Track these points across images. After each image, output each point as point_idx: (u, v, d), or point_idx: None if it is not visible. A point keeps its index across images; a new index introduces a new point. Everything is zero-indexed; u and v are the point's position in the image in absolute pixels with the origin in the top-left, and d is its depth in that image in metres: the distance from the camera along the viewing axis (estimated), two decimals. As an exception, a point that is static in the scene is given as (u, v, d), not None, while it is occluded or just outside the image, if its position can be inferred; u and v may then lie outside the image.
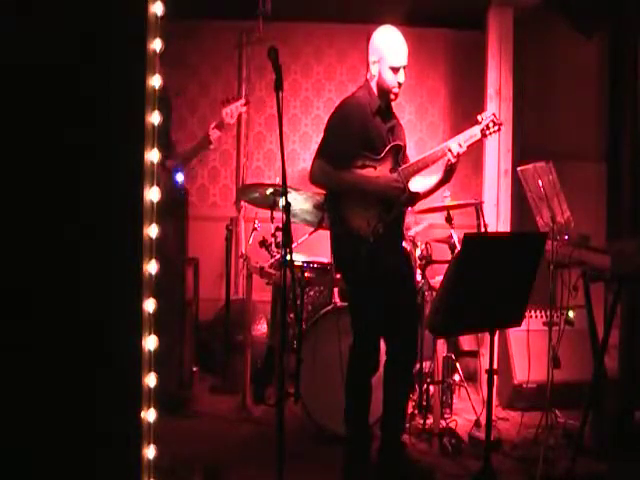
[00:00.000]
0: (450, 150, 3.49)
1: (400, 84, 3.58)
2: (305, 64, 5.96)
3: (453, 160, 3.50)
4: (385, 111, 3.64)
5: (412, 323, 3.68)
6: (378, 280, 3.49)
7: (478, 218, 4.61)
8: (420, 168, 3.58)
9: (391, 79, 3.55)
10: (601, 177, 5.64)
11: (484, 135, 3.55)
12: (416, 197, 3.70)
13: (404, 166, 3.60)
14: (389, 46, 3.54)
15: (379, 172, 3.56)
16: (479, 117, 3.56)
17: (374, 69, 3.58)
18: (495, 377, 3.17)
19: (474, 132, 3.55)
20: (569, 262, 3.78)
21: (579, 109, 5.64)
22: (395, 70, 3.54)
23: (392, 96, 3.61)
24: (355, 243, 3.50)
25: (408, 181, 3.59)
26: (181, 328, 4.69)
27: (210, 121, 4.35)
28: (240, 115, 4.44)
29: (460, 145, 3.49)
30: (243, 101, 4.34)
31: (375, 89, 3.60)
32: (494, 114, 3.58)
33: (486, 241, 3.32)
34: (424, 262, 4.40)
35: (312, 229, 4.54)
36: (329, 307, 4.25)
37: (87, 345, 2.31)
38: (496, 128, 3.56)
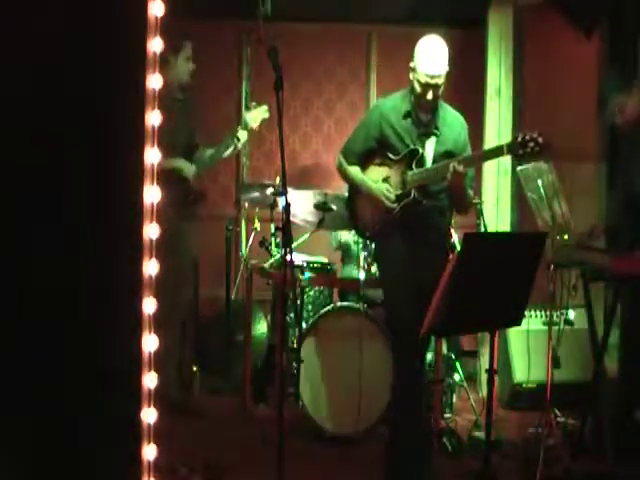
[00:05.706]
0: (454, 167, 3.39)
1: (430, 93, 3.49)
2: (305, 64, 5.94)
3: (449, 177, 3.40)
4: (419, 115, 3.58)
5: None
6: (409, 278, 3.48)
7: (478, 218, 4.61)
8: (425, 178, 3.52)
9: (420, 89, 3.50)
10: (601, 177, 5.64)
11: (516, 156, 3.40)
12: (419, 203, 3.57)
13: (415, 171, 3.55)
14: (422, 58, 3.48)
15: (390, 172, 3.61)
16: (519, 136, 3.33)
17: (411, 74, 3.55)
18: (495, 377, 3.17)
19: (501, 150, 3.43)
20: (569, 262, 3.78)
21: (579, 109, 5.63)
22: (425, 83, 3.46)
23: (423, 103, 3.54)
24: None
25: (413, 186, 3.54)
26: (182, 328, 4.69)
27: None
28: (263, 120, 4.39)
29: (462, 166, 3.40)
30: (266, 107, 4.33)
31: (410, 93, 3.59)
32: (539, 132, 3.34)
33: (486, 241, 3.32)
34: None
35: (312, 229, 4.54)
36: (329, 307, 4.25)
37: (87, 345, 2.31)
38: (536, 148, 3.31)
